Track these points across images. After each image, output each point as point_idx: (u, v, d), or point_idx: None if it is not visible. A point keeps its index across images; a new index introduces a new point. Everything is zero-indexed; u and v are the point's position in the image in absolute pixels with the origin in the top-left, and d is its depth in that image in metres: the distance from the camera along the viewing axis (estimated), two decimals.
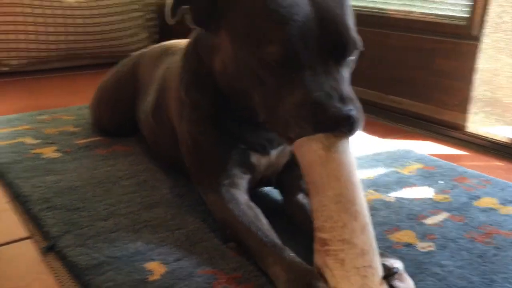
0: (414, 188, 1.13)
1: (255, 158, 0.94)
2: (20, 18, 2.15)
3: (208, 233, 0.91)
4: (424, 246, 0.89)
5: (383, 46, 1.81)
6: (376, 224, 0.94)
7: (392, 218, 0.99)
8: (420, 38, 1.69)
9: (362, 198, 0.71)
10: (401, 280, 0.69)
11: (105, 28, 2.34)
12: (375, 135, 1.49)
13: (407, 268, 0.81)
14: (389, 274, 0.68)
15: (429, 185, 1.15)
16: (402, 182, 1.16)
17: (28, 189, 1.06)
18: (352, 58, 0.79)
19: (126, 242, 0.87)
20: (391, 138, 1.52)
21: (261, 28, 0.75)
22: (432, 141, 1.53)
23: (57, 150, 1.29)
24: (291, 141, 0.75)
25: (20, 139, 1.36)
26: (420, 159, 1.31)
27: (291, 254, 0.76)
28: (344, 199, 0.69)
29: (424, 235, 0.92)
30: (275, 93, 0.76)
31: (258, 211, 0.89)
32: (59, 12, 2.23)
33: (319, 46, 0.74)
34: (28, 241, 0.91)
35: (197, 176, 0.97)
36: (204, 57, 0.90)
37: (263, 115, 0.80)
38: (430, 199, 1.08)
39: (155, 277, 0.78)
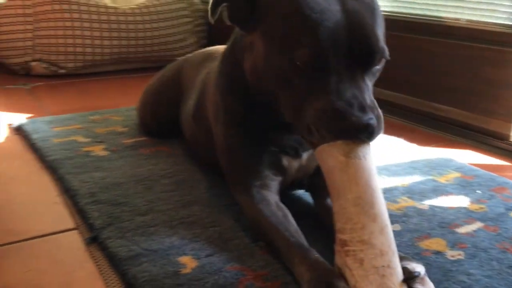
0: (450, 197, 1.13)
1: (286, 161, 0.97)
2: (77, 24, 2.28)
3: (240, 232, 0.95)
4: (453, 254, 0.89)
5: (428, 53, 1.79)
6: (406, 231, 0.96)
7: (423, 226, 0.99)
8: (466, 45, 1.66)
9: (381, 201, 0.73)
10: (422, 284, 0.70)
11: (155, 34, 2.44)
12: (415, 143, 1.49)
13: (434, 275, 0.82)
14: (410, 277, 0.69)
15: (466, 194, 1.14)
16: (438, 191, 1.16)
17: (76, 184, 1.13)
18: (378, 67, 0.81)
19: (162, 236, 0.92)
20: (431, 146, 1.51)
21: (293, 31, 0.78)
22: (474, 150, 1.51)
23: (105, 149, 1.37)
24: (313, 145, 0.78)
25: (73, 137, 1.45)
26: (459, 168, 1.30)
27: (315, 255, 0.79)
28: (363, 202, 0.72)
29: (454, 244, 0.92)
30: (300, 96, 0.79)
31: (287, 212, 0.92)
32: (113, 18, 2.34)
33: (347, 53, 0.76)
34: (74, 232, 0.98)
35: (230, 177, 1.01)
36: (239, 60, 0.94)
37: (288, 117, 0.83)
38: (465, 208, 1.07)
39: (187, 270, 0.82)
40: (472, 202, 1.10)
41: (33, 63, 2.29)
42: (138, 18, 2.40)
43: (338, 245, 0.73)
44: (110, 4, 2.40)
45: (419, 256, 0.88)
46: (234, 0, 0.87)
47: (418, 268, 0.71)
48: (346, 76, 0.77)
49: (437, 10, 1.81)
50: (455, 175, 1.25)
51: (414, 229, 0.98)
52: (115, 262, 0.85)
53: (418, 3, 1.89)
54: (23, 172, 1.26)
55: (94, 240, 0.93)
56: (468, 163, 1.34)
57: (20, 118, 1.65)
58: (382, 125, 0.78)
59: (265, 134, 0.96)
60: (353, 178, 0.73)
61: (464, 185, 1.19)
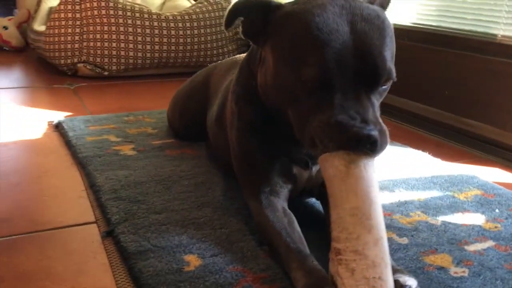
0: (466, 214, 1.11)
1: (296, 170, 1.00)
2: (122, 29, 2.38)
3: (247, 235, 0.97)
4: (457, 271, 0.88)
5: (461, 68, 1.76)
6: (413, 245, 0.96)
7: (432, 241, 0.99)
8: (500, 61, 1.63)
9: (379, 213, 0.74)
10: None
11: (195, 40, 2.51)
12: (440, 158, 1.47)
13: None
14: None
15: (483, 213, 1.12)
16: (455, 207, 1.15)
17: (101, 180, 1.20)
18: (385, 87, 0.82)
19: (172, 234, 0.97)
20: (457, 162, 1.49)
21: (302, 51, 0.80)
22: (502, 168, 1.47)
23: (133, 149, 1.43)
24: (318, 157, 0.80)
25: (105, 136, 1.53)
26: (481, 185, 1.27)
27: (313, 262, 0.80)
28: (360, 213, 0.73)
29: (460, 261, 0.92)
30: (306, 112, 0.82)
31: (293, 219, 0.94)
32: (155, 24, 2.43)
33: (353, 73, 0.78)
34: (93, 225, 1.04)
35: (242, 182, 1.04)
36: (253, 71, 0.97)
37: (296, 130, 0.85)
38: (479, 226, 1.06)
39: (190, 268, 0.86)
40: (487, 221, 1.08)
41: (79, 65, 2.41)
42: (180, 24, 2.48)
43: (333, 253, 0.74)
44: (154, 11, 2.49)
45: (421, 271, 0.88)
46: (249, 14, 0.90)
47: (410, 281, 0.72)
48: (351, 95, 0.79)
49: (472, 24, 1.78)
50: (475, 193, 1.23)
51: (422, 244, 0.97)
52: (125, 256, 0.90)
53: (452, 17, 1.87)
54: (56, 167, 1.34)
55: (109, 234, 0.98)
56: (493, 181, 1.32)
57: (60, 116, 1.75)
58: (387, 139, 0.79)
59: (277, 145, 0.99)
60: (352, 188, 0.75)
61: (483, 203, 1.17)
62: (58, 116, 1.76)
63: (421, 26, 2.00)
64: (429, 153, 1.50)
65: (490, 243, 0.99)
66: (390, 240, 0.98)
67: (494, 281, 0.86)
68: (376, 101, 0.82)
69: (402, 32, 2.03)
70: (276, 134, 0.98)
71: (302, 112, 0.83)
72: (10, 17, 3.29)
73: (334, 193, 0.77)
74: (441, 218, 1.09)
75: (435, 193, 1.22)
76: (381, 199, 0.76)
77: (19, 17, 3.22)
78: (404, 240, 0.98)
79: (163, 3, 3.22)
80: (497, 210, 1.13)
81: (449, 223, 1.07)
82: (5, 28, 3.14)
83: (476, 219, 1.09)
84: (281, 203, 0.97)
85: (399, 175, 1.32)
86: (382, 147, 0.78)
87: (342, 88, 0.78)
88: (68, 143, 1.49)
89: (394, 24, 2.08)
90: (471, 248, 0.97)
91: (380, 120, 0.80)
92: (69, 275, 0.86)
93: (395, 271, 0.74)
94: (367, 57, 0.78)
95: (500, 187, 1.27)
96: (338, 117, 0.76)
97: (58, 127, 1.64)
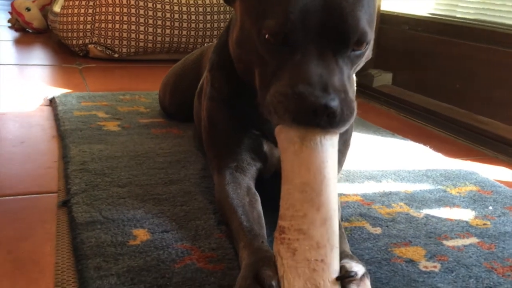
0: (454, 209, 1.02)
1: (267, 147, 0.93)
2: (133, 10, 2.35)
3: (208, 214, 0.91)
4: (427, 265, 0.80)
5: (476, 61, 1.65)
6: (386, 236, 0.88)
7: (407, 233, 0.90)
8: None
9: (331, 192, 0.66)
10: (358, 286, 0.63)
11: (208, 26, 2.47)
12: (442, 153, 1.37)
13: (394, 283, 0.74)
14: (343, 276, 0.62)
15: (473, 209, 1.03)
16: (443, 201, 1.05)
17: (74, 153, 1.16)
18: (358, 52, 0.74)
19: (128, 208, 0.91)
20: (460, 158, 1.39)
21: (265, 2, 0.74)
22: (510, 167, 1.36)
23: (118, 125, 1.39)
24: (275, 127, 0.73)
25: (94, 112, 1.49)
26: (479, 182, 1.17)
27: (262, 242, 0.74)
28: (310, 189, 0.66)
29: (434, 255, 0.83)
30: (268, 74, 0.75)
31: (256, 199, 0.87)
32: (167, 7, 2.40)
33: (319, 30, 0.71)
34: (54, 195, 1.00)
35: (208, 155, 0.98)
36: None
37: (259, 96, 0.79)
38: (466, 222, 0.97)
39: (136, 242, 0.80)
40: (476, 217, 0.99)
41: (90, 46, 2.40)
42: (192, 9, 2.44)
43: (277, 231, 0.67)
44: None
45: (386, 262, 0.80)
46: None
47: (356, 267, 0.64)
48: (315, 55, 0.71)
49: (493, 16, 1.67)
50: (470, 188, 1.13)
51: (395, 235, 0.89)
52: (72, 226, 0.85)
53: (470, 7, 1.76)
54: (36, 138, 1.31)
55: (65, 204, 0.94)
56: (495, 179, 1.21)
57: (58, 92, 1.73)
58: (351, 111, 0.71)
59: (248, 116, 0.92)
60: (304, 163, 0.68)
61: (476, 199, 1.07)
62: (57, 92, 1.74)
63: (438, 16, 1.89)
64: (430, 148, 1.40)
65: (473, 240, 0.89)
66: (361, 229, 0.90)
67: (467, 279, 0.77)
68: (346, 67, 0.73)
69: (418, 23, 1.93)
70: (248, 104, 0.91)
71: (264, 75, 0.76)
72: None
73: (286, 167, 0.70)
74: (425, 211, 1.00)
75: (425, 186, 1.13)
76: (335, 177, 0.68)
77: None
78: (377, 230, 0.90)
79: None
80: (490, 207, 1.04)
81: (433, 216, 0.98)
82: (28, 9, 3.16)
83: (464, 214, 1.00)
84: (246, 181, 0.91)
85: (390, 167, 1.23)
86: (343, 120, 0.69)
87: (305, 47, 0.71)
88: (55, 117, 1.46)
89: (410, 15, 1.99)
90: (450, 243, 0.88)
91: (348, 89, 0.72)
92: (9, 240, 0.82)
93: (344, 256, 0.66)
94: (336, 13, 0.70)
95: (501, 184, 1.17)
96: (295, 84, 0.69)
97: (51, 102, 1.62)
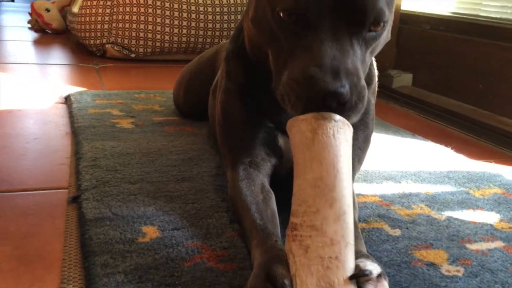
0: (478, 212, 0.97)
1: (282, 142, 0.90)
2: (151, 10, 2.35)
3: (220, 212, 0.88)
4: (450, 269, 0.76)
5: (499, 60, 1.60)
6: (405, 238, 0.84)
7: (429, 235, 0.86)
8: None
9: (345, 186, 0.63)
10: (375, 286, 0.59)
11: (225, 26, 2.45)
12: (465, 154, 1.32)
13: (414, 287, 0.70)
14: (357, 274, 0.59)
15: (498, 212, 0.98)
16: (466, 203, 1.01)
17: (87, 149, 1.14)
18: (374, 33, 0.71)
19: (139, 205, 0.89)
20: (484, 160, 1.34)
21: None
22: None
23: (132, 123, 1.37)
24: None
25: (108, 110, 1.48)
26: (504, 184, 1.12)
27: (276, 241, 0.70)
28: (323, 184, 0.62)
29: (457, 259, 0.79)
30: (282, 55, 0.72)
31: (270, 197, 0.84)
32: (184, 7, 2.38)
33: (334, 8, 0.67)
34: (65, 191, 0.98)
35: (222, 150, 0.95)
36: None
37: (274, 82, 0.76)
38: (490, 225, 0.92)
39: (145, 239, 0.78)
40: (501, 220, 0.94)
41: (108, 46, 2.40)
42: (209, 9, 2.42)
43: (289, 228, 0.64)
44: None
45: (406, 265, 0.76)
46: None
47: (371, 266, 0.60)
48: (329, 34, 0.68)
49: None
50: (495, 191, 1.08)
51: (416, 237, 0.85)
52: (81, 222, 0.83)
53: (493, 5, 1.71)
54: (49, 134, 1.30)
55: (75, 200, 0.92)
56: None
57: (73, 91, 1.72)
58: (362, 97, 0.68)
59: (264, 106, 0.89)
60: (317, 157, 0.64)
61: (501, 202, 1.02)
62: (73, 90, 1.73)
63: (460, 15, 1.84)
64: (452, 149, 1.35)
65: (498, 244, 0.85)
66: (379, 231, 0.87)
67: (493, 285, 0.72)
68: (360, 49, 0.70)
69: (439, 22, 1.88)
70: (265, 94, 0.88)
71: (279, 58, 0.73)
72: (55, 0, 3.35)
73: (298, 162, 0.66)
74: (447, 214, 0.95)
75: (447, 188, 1.08)
76: (349, 171, 0.65)
77: (62, 0, 3.27)
78: (396, 232, 0.86)
79: None
80: None
81: (455, 219, 0.93)
82: (47, 10, 3.19)
83: (489, 217, 0.95)
84: (261, 178, 0.87)
85: (410, 167, 1.19)
86: (354, 108, 0.67)
87: (320, 26, 0.68)
88: (70, 114, 1.45)
89: (431, 14, 1.94)
90: (474, 246, 0.83)
91: (361, 73, 0.69)
92: (17, 236, 0.80)
93: (360, 255, 0.63)
94: None
95: None
96: (307, 70, 0.66)
97: (66, 100, 1.61)
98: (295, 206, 0.64)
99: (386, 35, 0.76)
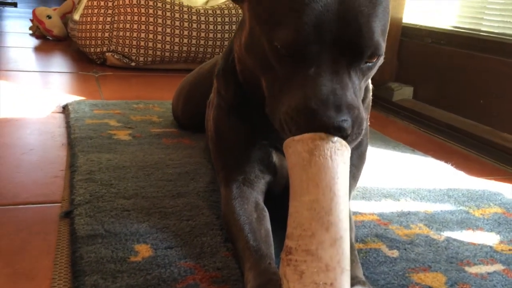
0: (477, 232, 0.96)
1: (276, 158, 0.88)
2: (152, 19, 2.34)
3: (215, 230, 0.87)
4: None
5: (503, 77, 1.59)
6: (403, 259, 0.82)
7: (427, 257, 0.84)
8: None
9: (342, 211, 0.62)
10: None
11: (226, 36, 2.44)
12: (465, 171, 1.31)
13: None
14: None
15: (498, 233, 0.96)
16: (466, 223, 0.99)
17: (82, 161, 1.13)
18: (370, 64, 0.70)
19: (132, 222, 0.87)
20: (485, 178, 1.32)
21: (278, 9, 0.70)
22: None
23: (129, 134, 1.36)
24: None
25: (106, 121, 1.47)
26: (504, 203, 1.11)
27: (269, 263, 0.69)
28: (319, 207, 0.61)
29: (455, 282, 0.77)
30: (279, 85, 0.71)
31: (264, 216, 0.82)
32: (186, 16, 2.38)
33: (333, 41, 0.67)
34: (58, 205, 0.97)
35: (216, 167, 0.94)
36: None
37: (267, 105, 0.75)
38: (490, 247, 0.90)
39: (137, 258, 0.76)
40: (501, 242, 0.92)
41: (108, 54, 2.39)
42: (211, 19, 2.42)
43: (284, 252, 0.63)
44: (185, 3, 2.44)
45: None
46: None
47: None
48: (329, 68, 0.68)
49: None
50: (495, 210, 1.07)
51: (414, 259, 0.83)
52: (72, 240, 0.81)
53: (495, 21, 1.70)
54: (45, 145, 1.28)
55: (67, 215, 0.90)
56: None
57: (72, 99, 1.71)
58: (361, 128, 0.68)
59: (256, 124, 0.88)
60: (313, 178, 0.63)
61: (501, 223, 1.01)
62: (71, 99, 1.72)
63: (462, 30, 1.83)
64: (452, 165, 1.34)
65: (498, 267, 0.83)
66: (377, 251, 0.85)
67: None
68: (358, 79, 0.70)
69: (441, 36, 1.87)
70: (256, 112, 0.87)
71: (274, 85, 0.72)
72: (56, 7, 3.35)
73: (295, 183, 0.65)
74: (446, 234, 0.94)
75: (446, 207, 1.07)
76: (346, 195, 0.64)
77: (64, 7, 3.27)
78: (394, 253, 0.85)
79: (206, 2, 3.17)
80: None
81: (454, 240, 0.92)
82: (49, 17, 3.19)
83: (488, 238, 0.94)
84: (254, 195, 0.86)
85: (409, 184, 1.17)
86: (353, 139, 0.67)
87: (318, 59, 0.67)
88: (66, 124, 1.44)
89: (433, 27, 1.93)
90: (473, 270, 0.82)
91: (359, 104, 0.68)
92: (8, 252, 0.79)
93: (356, 282, 0.61)
94: (351, 24, 0.67)
95: None
96: (308, 100, 0.66)
97: (64, 109, 1.60)
98: (291, 228, 0.63)
99: (380, 63, 0.75)
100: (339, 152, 0.65)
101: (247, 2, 0.77)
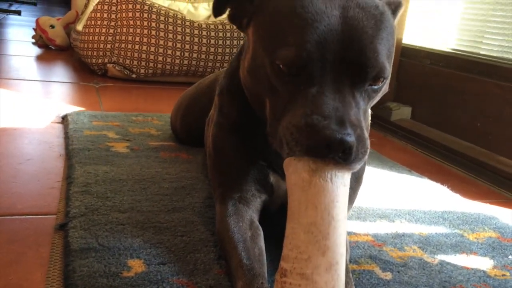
0: (471, 256, 0.96)
1: (274, 179, 0.88)
2: (154, 32, 2.36)
3: (209, 247, 0.87)
4: None
5: (499, 99, 1.60)
6: (396, 282, 0.82)
7: (419, 280, 0.84)
8: None
9: (340, 235, 0.62)
10: None
11: (227, 51, 2.46)
12: (460, 193, 1.31)
13: None
14: None
15: (492, 257, 0.96)
16: (460, 247, 0.99)
17: (79, 173, 1.13)
18: (376, 87, 0.70)
19: (127, 236, 0.87)
20: (480, 201, 1.32)
21: (281, 30, 0.71)
22: None
23: (127, 147, 1.36)
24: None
25: (105, 132, 1.47)
26: (499, 228, 1.11)
27: (262, 283, 0.69)
28: (316, 230, 0.61)
29: None
30: (281, 105, 0.71)
31: (259, 234, 0.83)
32: (188, 30, 2.40)
33: (336, 61, 0.67)
34: (53, 217, 0.97)
35: (212, 184, 0.94)
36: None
37: (268, 126, 0.75)
38: (483, 271, 0.90)
39: (130, 274, 0.76)
40: (495, 267, 0.92)
41: (109, 65, 2.41)
42: (212, 33, 2.44)
43: (278, 273, 0.63)
44: (187, 17, 2.46)
45: None
46: (239, 2, 0.82)
47: None
48: (331, 87, 0.68)
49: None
50: (489, 234, 1.07)
51: (407, 282, 0.83)
52: (66, 252, 0.81)
53: (494, 45, 1.71)
54: (43, 156, 1.29)
55: (62, 228, 0.90)
56: None
57: (71, 110, 1.72)
58: (365, 149, 0.67)
59: (256, 145, 0.88)
60: (312, 201, 0.63)
61: (495, 247, 1.01)
62: (71, 110, 1.73)
63: (461, 52, 1.85)
64: (448, 187, 1.34)
65: None
66: (370, 273, 0.85)
67: None
68: (363, 101, 0.70)
69: (440, 58, 1.88)
70: (257, 133, 0.87)
71: (276, 106, 0.72)
72: (60, 17, 3.38)
73: (293, 204, 0.65)
74: (440, 257, 0.94)
75: (441, 229, 1.07)
76: (345, 218, 0.64)
77: (67, 17, 3.29)
78: (387, 275, 0.85)
79: (208, 17, 3.19)
80: (510, 257, 0.97)
81: (448, 263, 0.92)
82: (52, 27, 3.21)
83: (482, 263, 0.94)
84: (250, 213, 0.86)
85: (405, 206, 1.18)
86: (357, 158, 0.66)
87: (322, 78, 0.67)
88: (65, 135, 1.44)
89: (432, 49, 1.95)
90: None
91: (363, 125, 0.68)
92: (0, 264, 0.79)
93: None
94: (355, 45, 0.67)
95: None
96: (309, 118, 0.65)
97: (63, 119, 1.61)
98: (287, 250, 0.63)
99: (385, 88, 0.76)
100: (339, 174, 0.65)
101: (251, 26, 0.78)
